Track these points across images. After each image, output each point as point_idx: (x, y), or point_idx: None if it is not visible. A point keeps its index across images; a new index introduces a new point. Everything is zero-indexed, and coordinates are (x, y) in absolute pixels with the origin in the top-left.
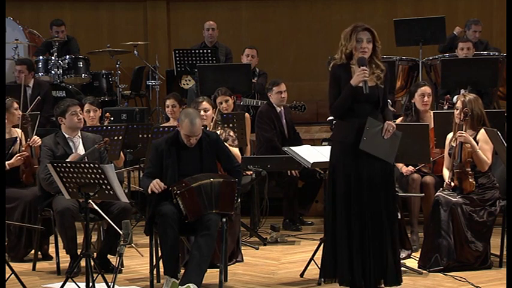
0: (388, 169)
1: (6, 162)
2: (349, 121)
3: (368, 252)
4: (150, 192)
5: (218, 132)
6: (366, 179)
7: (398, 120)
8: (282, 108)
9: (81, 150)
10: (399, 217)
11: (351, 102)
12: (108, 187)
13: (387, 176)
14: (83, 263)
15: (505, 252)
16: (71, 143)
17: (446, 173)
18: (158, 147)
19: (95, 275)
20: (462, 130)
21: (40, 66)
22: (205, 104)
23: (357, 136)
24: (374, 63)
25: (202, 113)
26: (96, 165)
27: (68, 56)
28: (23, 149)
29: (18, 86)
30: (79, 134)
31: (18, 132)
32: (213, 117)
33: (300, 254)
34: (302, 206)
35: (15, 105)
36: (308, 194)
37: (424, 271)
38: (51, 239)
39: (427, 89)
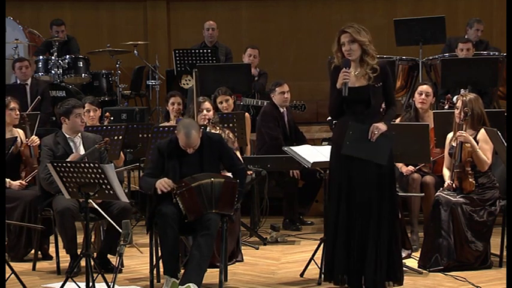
0: (385, 169)
1: (8, 180)
2: (341, 122)
3: (354, 251)
4: (160, 191)
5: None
6: (358, 180)
7: (397, 120)
8: (285, 108)
9: (81, 150)
10: (399, 217)
11: (346, 103)
12: (108, 187)
13: (384, 176)
14: (83, 262)
15: (505, 253)
16: (71, 143)
17: (446, 173)
18: (160, 150)
19: (95, 275)
20: (462, 130)
21: (40, 66)
22: (207, 104)
23: None
24: (365, 62)
25: (204, 112)
26: (96, 165)
27: (68, 56)
28: (22, 148)
29: (18, 86)
30: (79, 134)
31: (18, 132)
32: (209, 119)
33: (300, 254)
34: (302, 205)
35: (11, 105)
36: (308, 193)
37: (424, 271)
38: (51, 238)
39: (425, 88)
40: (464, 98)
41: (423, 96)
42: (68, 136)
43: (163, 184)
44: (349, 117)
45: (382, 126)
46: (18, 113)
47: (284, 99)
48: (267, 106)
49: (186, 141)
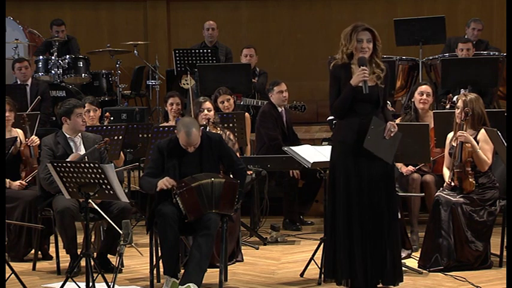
0: (388, 169)
1: (7, 180)
2: (349, 121)
3: (367, 252)
4: (159, 189)
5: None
6: (366, 179)
7: (397, 120)
8: (283, 108)
9: (81, 150)
10: (399, 217)
11: (351, 102)
12: (108, 187)
13: (387, 176)
14: (83, 262)
15: (505, 253)
16: (71, 143)
17: (446, 173)
18: (160, 149)
19: (95, 275)
20: (463, 130)
21: (40, 66)
22: (208, 104)
23: (357, 136)
24: (374, 63)
25: (205, 112)
26: (96, 165)
27: (68, 56)
28: (22, 148)
29: (18, 86)
30: (79, 134)
31: (18, 132)
32: (209, 119)
33: (300, 254)
34: (302, 205)
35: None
36: (308, 193)
37: (424, 271)
38: (51, 238)
39: (425, 88)
40: (465, 98)
41: (424, 96)
42: (68, 136)
43: (164, 182)
44: (355, 118)
45: (395, 125)
46: (8, 114)
47: (282, 99)
48: (265, 106)
49: (186, 139)
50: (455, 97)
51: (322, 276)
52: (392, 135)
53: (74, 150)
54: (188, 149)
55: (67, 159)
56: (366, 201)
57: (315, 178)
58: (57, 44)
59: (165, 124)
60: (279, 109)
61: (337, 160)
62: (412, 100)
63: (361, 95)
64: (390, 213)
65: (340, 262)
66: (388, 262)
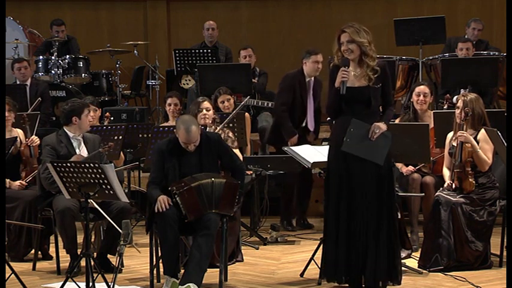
0: (383, 170)
1: (8, 180)
2: (340, 121)
3: (352, 253)
4: (156, 210)
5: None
6: (357, 179)
7: (397, 120)
8: (313, 79)
9: (83, 150)
10: (399, 217)
11: (342, 103)
12: (108, 187)
13: (381, 176)
14: (83, 262)
15: (505, 253)
16: (75, 143)
17: (446, 173)
18: (159, 151)
19: (95, 275)
20: (463, 130)
21: (40, 66)
22: (206, 104)
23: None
24: (365, 63)
25: (204, 111)
26: (96, 165)
27: (68, 56)
28: (22, 148)
29: (18, 86)
30: (81, 134)
31: (18, 132)
32: (214, 118)
33: (300, 254)
34: (301, 206)
35: None
36: (303, 194)
37: (424, 271)
38: (51, 238)
39: (423, 89)
40: (465, 98)
41: (421, 97)
42: (72, 135)
43: (160, 203)
44: (348, 116)
45: (382, 126)
46: (7, 114)
47: (316, 69)
48: (291, 73)
49: (186, 136)
50: (455, 97)
51: (322, 275)
52: (376, 136)
53: (76, 150)
54: (188, 147)
55: (70, 159)
56: (356, 201)
57: (307, 178)
58: (57, 44)
59: (165, 124)
60: (307, 78)
61: (331, 160)
62: (411, 100)
63: (351, 96)
64: (382, 214)
65: (328, 261)
66: (375, 262)
